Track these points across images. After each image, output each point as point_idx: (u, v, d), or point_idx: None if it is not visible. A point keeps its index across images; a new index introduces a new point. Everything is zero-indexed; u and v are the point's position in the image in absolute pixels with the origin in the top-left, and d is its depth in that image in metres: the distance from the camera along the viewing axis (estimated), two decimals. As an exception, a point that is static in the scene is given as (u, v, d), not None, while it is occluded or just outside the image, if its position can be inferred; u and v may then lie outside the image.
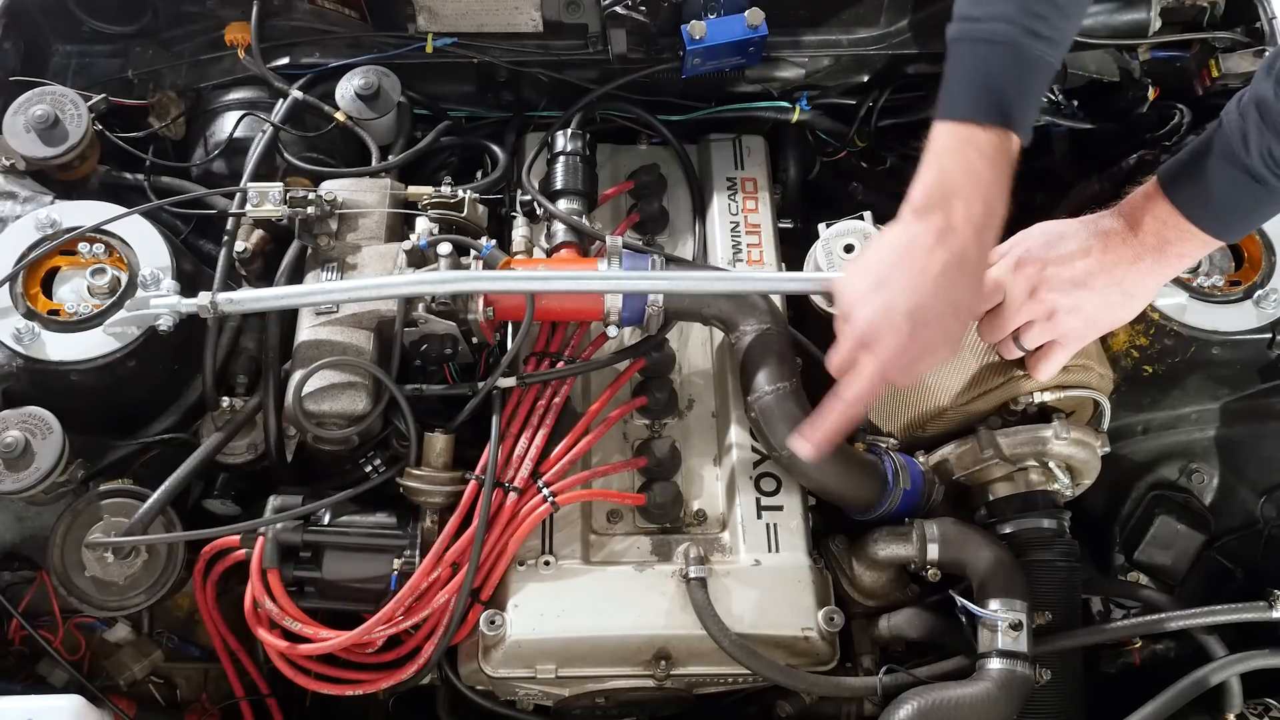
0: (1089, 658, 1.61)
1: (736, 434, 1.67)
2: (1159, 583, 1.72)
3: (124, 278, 1.61)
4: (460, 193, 1.67)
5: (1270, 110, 1.20)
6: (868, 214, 1.73)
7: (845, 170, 2.11)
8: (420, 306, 1.57)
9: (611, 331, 1.61)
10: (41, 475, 1.48)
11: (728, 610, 1.48)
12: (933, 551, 1.51)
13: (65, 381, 1.57)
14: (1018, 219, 2.04)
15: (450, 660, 1.56)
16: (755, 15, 1.78)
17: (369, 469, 1.60)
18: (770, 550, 1.57)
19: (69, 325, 1.58)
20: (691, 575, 1.48)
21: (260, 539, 1.50)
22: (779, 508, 1.61)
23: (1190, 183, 1.30)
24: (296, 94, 1.82)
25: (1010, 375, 1.55)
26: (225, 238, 1.68)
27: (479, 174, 1.92)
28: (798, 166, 2.02)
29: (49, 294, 1.62)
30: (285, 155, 1.80)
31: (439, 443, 1.56)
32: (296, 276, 1.66)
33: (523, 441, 1.58)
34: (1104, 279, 1.34)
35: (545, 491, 1.54)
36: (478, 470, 1.54)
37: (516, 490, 1.54)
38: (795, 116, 1.95)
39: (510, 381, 1.59)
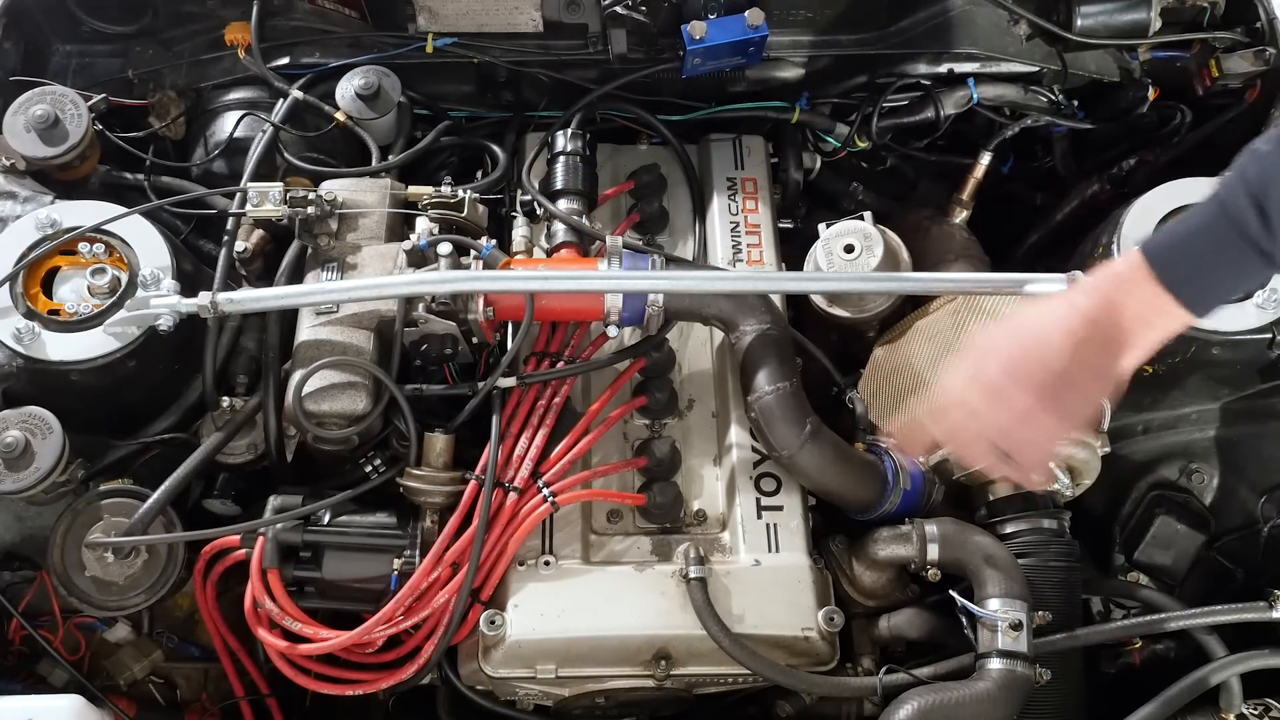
0: (1089, 658, 1.61)
1: (736, 434, 1.67)
2: (1159, 583, 1.72)
3: (124, 278, 1.61)
4: (460, 193, 1.67)
5: None
6: (868, 214, 1.73)
7: (845, 170, 2.11)
8: (420, 306, 1.57)
9: (611, 331, 1.61)
10: (41, 475, 1.48)
11: (728, 610, 1.48)
12: (933, 551, 1.51)
13: (65, 381, 1.57)
14: (1018, 219, 2.06)
15: (450, 660, 1.57)
16: (755, 15, 1.78)
17: (369, 469, 1.61)
18: (770, 550, 1.57)
19: (69, 325, 1.58)
20: (691, 575, 1.48)
21: (260, 539, 1.50)
22: (779, 508, 1.61)
23: (1189, 268, 1.21)
24: (296, 94, 1.82)
25: (1010, 375, 1.55)
26: (225, 238, 1.68)
27: (479, 174, 1.92)
28: (798, 166, 2.02)
29: (49, 294, 1.62)
30: (285, 155, 1.80)
31: (439, 443, 1.56)
32: (296, 276, 1.66)
33: (523, 441, 1.58)
34: (1084, 376, 1.24)
35: (545, 491, 1.54)
36: (478, 470, 1.54)
37: (516, 490, 1.54)
38: (795, 117, 1.95)
39: (510, 381, 1.59)
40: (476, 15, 1.86)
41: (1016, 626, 1.38)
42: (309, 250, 1.66)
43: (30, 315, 1.58)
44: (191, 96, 1.93)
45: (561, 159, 1.78)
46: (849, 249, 1.70)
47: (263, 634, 1.50)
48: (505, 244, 1.72)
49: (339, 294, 1.57)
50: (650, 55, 1.90)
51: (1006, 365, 1.25)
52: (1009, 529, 1.56)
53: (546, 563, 1.55)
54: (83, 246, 1.63)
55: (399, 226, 1.71)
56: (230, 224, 1.69)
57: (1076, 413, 1.27)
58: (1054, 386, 1.24)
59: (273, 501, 1.54)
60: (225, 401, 1.64)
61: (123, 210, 1.64)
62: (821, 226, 1.74)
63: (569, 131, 1.81)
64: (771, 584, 1.53)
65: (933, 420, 1.33)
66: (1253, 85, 1.88)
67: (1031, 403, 1.24)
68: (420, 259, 1.59)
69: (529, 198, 1.78)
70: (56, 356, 1.56)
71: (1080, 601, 1.59)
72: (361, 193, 1.70)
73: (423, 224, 1.62)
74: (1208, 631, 1.47)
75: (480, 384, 1.59)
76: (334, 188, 1.69)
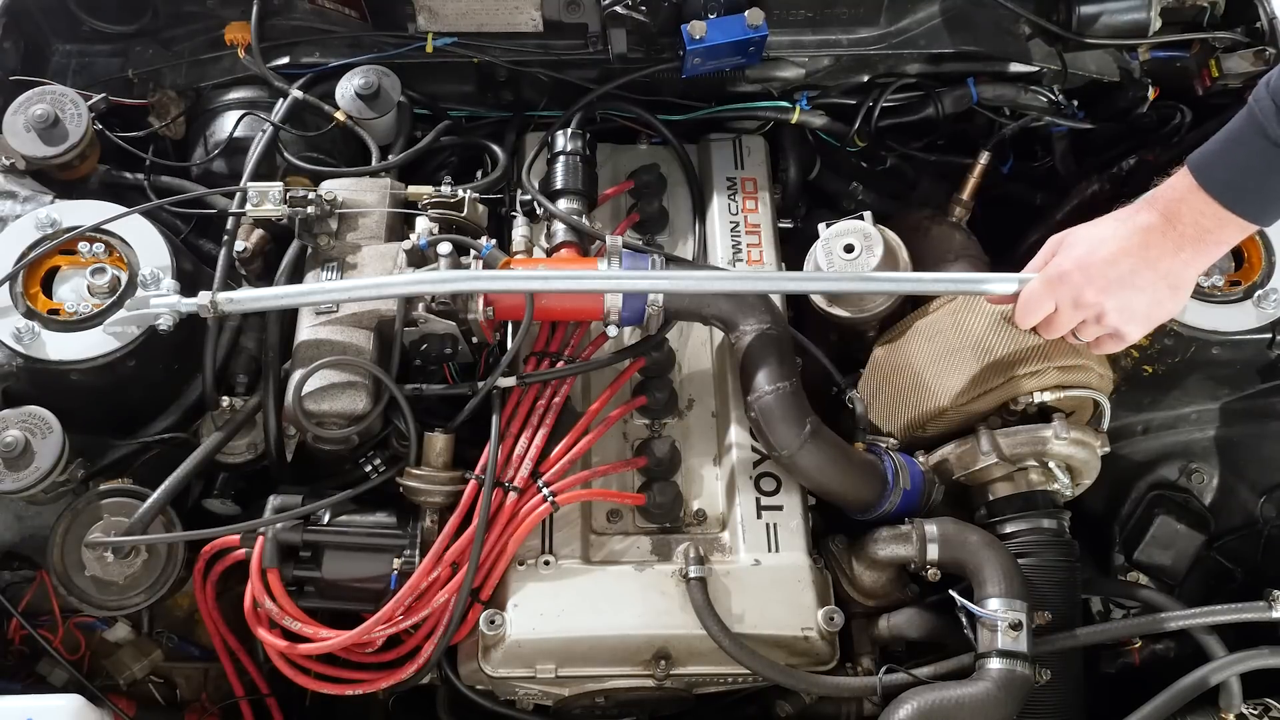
0: (1089, 658, 1.61)
1: (736, 434, 1.67)
2: (1159, 583, 1.72)
3: (124, 277, 1.61)
4: (460, 192, 1.67)
5: None
6: (868, 214, 1.73)
7: (845, 170, 2.10)
8: (420, 306, 1.57)
9: (611, 331, 1.61)
10: (41, 475, 1.48)
11: (727, 610, 1.48)
12: (932, 551, 1.51)
13: (65, 381, 1.57)
14: (1018, 219, 2.06)
15: (450, 660, 1.57)
16: (755, 15, 1.78)
17: (369, 469, 1.61)
18: (770, 550, 1.57)
19: (69, 325, 1.58)
20: (691, 575, 1.48)
21: (260, 539, 1.50)
22: (779, 508, 1.61)
23: (1224, 170, 1.29)
24: (296, 94, 1.82)
25: (1010, 375, 1.55)
26: (225, 237, 1.68)
27: (479, 174, 1.92)
28: (798, 166, 2.02)
29: (49, 293, 1.62)
30: (285, 155, 1.80)
31: (439, 442, 1.56)
32: (296, 276, 1.66)
33: (523, 441, 1.58)
34: (1149, 275, 1.33)
35: (545, 491, 1.54)
36: (477, 470, 1.54)
37: (516, 490, 1.54)
38: (795, 116, 1.95)
39: (510, 381, 1.59)
40: (476, 15, 1.85)
41: (1016, 626, 1.38)
42: (309, 250, 1.66)
43: (30, 315, 1.59)
44: (191, 96, 1.93)
45: (561, 159, 1.78)
46: (849, 249, 1.69)
47: (262, 634, 1.50)
48: (505, 244, 1.72)
49: (339, 294, 1.57)
50: (650, 55, 1.90)
51: (1073, 266, 1.37)
52: (1009, 529, 1.55)
53: (546, 562, 1.55)
54: (82, 246, 1.63)
55: (399, 226, 1.71)
56: (230, 224, 1.69)
57: (1148, 316, 1.39)
58: (1121, 288, 1.34)
59: (272, 501, 1.54)
60: (225, 401, 1.64)
61: (123, 210, 1.64)
62: (821, 226, 1.74)
63: (569, 131, 1.81)
64: (771, 584, 1.53)
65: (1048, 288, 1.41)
66: (1252, 85, 1.88)
67: (1102, 303, 1.36)
68: (420, 259, 1.59)
69: (529, 197, 1.78)
70: (56, 356, 1.56)
71: (1080, 601, 1.59)
72: (361, 192, 1.70)
73: (423, 224, 1.62)
74: (1207, 631, 1.47)
75: (480, 384, 1.59)
76: (334, 187, 1.69)
